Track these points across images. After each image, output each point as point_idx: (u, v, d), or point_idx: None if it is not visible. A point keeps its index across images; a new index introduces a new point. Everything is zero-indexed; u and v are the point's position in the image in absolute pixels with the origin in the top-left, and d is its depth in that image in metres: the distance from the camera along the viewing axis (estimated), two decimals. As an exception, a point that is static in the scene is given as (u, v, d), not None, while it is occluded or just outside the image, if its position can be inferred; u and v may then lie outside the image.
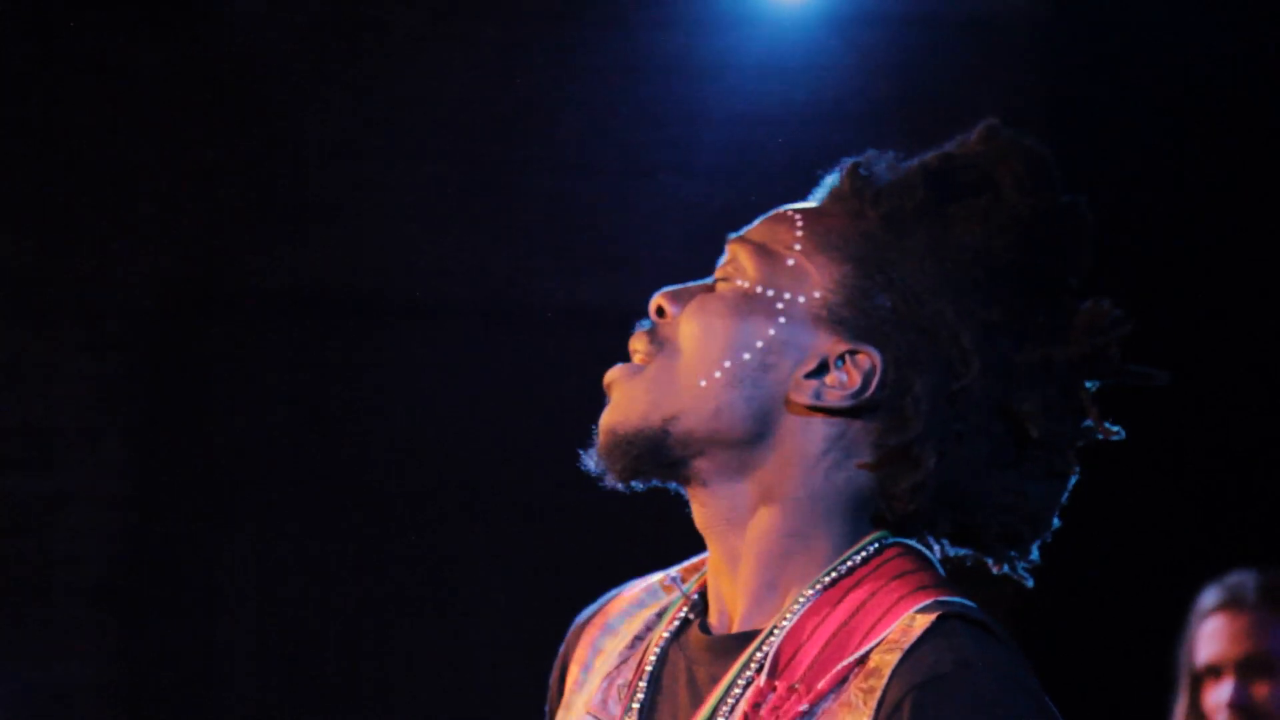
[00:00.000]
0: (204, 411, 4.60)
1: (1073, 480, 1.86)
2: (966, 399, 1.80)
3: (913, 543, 1.84)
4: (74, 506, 4.56)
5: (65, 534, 4.55)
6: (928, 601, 1.77)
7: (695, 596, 1.91)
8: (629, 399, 1.85)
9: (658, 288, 1.90)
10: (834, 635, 1.78)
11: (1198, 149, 4.41)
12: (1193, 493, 4.25)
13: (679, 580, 1.94)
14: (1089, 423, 1.84)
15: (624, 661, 1.92)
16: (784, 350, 1.83)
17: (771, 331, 1.83)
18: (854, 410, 1.81)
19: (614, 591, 2.02)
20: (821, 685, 1.75)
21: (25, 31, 4.48)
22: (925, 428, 1.79)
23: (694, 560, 1.97)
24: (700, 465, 1.84)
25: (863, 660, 1.75)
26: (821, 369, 1.82)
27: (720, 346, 1.83)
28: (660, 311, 1.88)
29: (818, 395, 1.81)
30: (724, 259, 1.89)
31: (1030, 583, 1.87)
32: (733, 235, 1.89)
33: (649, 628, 1.93)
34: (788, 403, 1.82)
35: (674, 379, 1.84)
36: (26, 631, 4.54)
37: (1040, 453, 1.83)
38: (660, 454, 1.84)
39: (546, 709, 2.02)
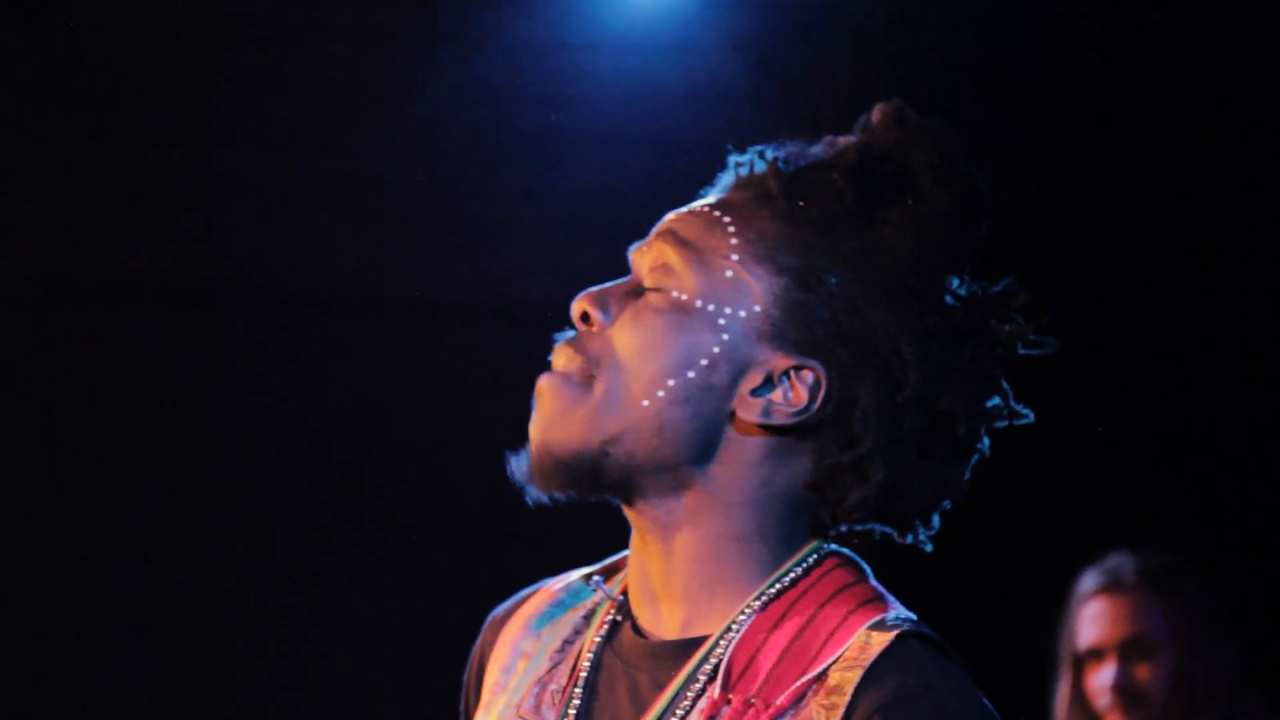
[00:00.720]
0: (55, 409, 4.53)
1: (976, 455, 1.89)
2: (905, 406, 1.81)
3: (847, 551, 1.86)
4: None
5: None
6: (878, 618, 1.79)
7: (621, 598, 1.89)
8: (566, 417, 1.81)
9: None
10: (787, 649, 1.78)
11: (1051, 131, 4.44)
12: (1075, 474, 4.25)
13: (602, 583, 1.92)
14: (996, 402, 1.87)
15: (555, 665, 1.90)
16: (728, 366, 1.81)
17: (715, 349, 1.81)
18: (799, 426, 1.81)
19: (528, 589, 1.99)
20: (780, 701, 1.76)
21: None
22: (874, 444, 1.81)
23: (613, 559, 1.96)
24: (638, 481, 1.82)
25: (821, 677, 1.76)
26: (766, 384, 1.81)
27: (663, 364, 1.80)
28: (585, 318, 1.84)
29: (766, 413, 1.81)
30: (645, 257, 1.85)
31: (930, 548, 1.90)
32: (655, 232, 1.86)
33: (577, 631, 1.91)
34: (733, 418, 1.82)
35: (614, 398, 1.80)
36: None
37: (958, 440, 1.86)
38: (599, 476, 1.81)
39: (461, 708, 1.99)
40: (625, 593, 1.89)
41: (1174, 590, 3.62)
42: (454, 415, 4.51)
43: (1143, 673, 3.57)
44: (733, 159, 1.89)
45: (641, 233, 1.88)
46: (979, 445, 1.86)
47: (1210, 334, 4.26)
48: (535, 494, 1.84)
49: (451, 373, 4.54)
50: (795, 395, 1.81)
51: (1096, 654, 3.59)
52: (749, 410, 1.81)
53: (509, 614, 1.97)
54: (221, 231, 4.53)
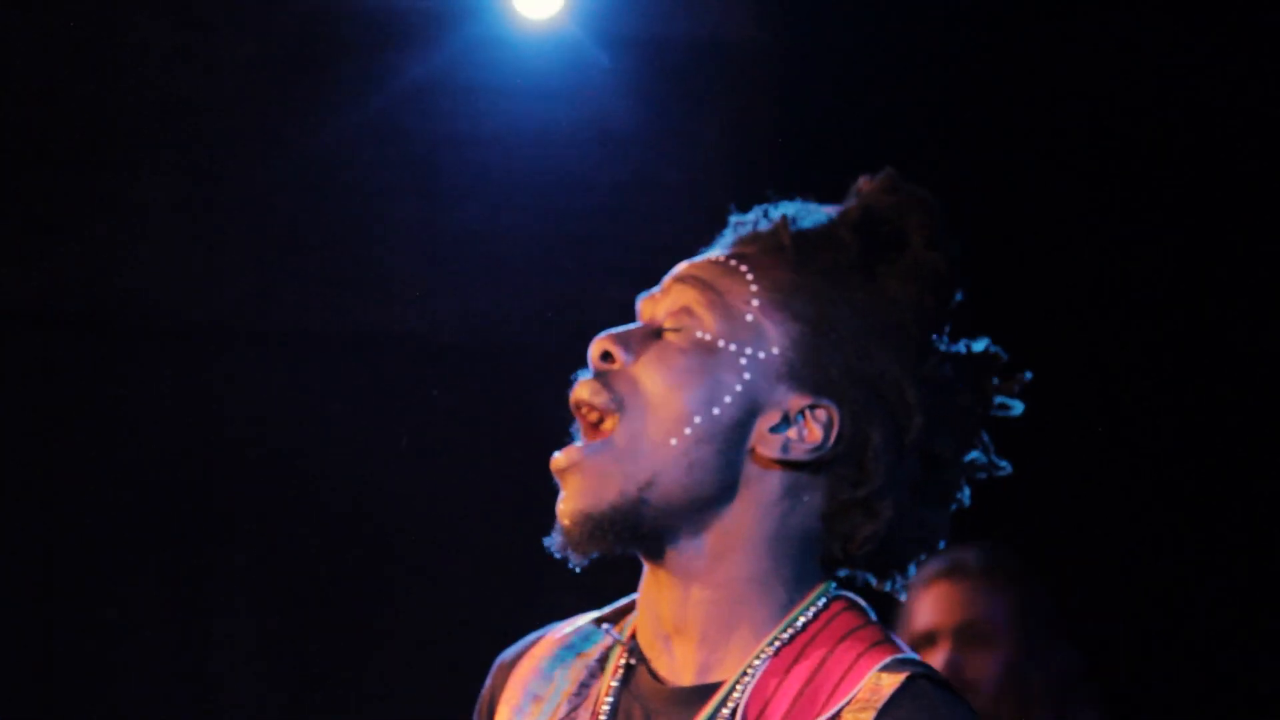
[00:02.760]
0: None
1: (955, 504, 2.00)
2: (909, 448, 1.91)
3: (852, 595, 1.93)
4: None
5: None
6: (888, 660, 1.86)
7: (632, 642, 1.94)
8: (599, 476, 1.86)
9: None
10: (800, 694, 1.84)
11: (931, 172, 4.51)
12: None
13: (611, 629, 1.96)
14: (977, 456, 1.97)
15: (574, 709, 1.94)
16: (749, 405, 1.88)
17: (738, 387, 1.88)
18: (814, 463, 1.88)
19: (536, 634, 2.03)
20: None
21: None
22: (884, 481, 1.89)
23: (621, 603, 2.00)
24: (670, 525, 1.87)
25: (834, 719, 1.82)
26: (783, 423, 1.88)
27: (689, 400, 1.87)
28: (607, 356, 1.89)
29: (785, 449, 1.88)
30: (661, 304, 1.92)
31: (904, 597, 1.99)
32: (671, 278, 1.93)
33: (592, 675, 1.95)
34: (752, 455, 1.88)
35: (643, 439, 1.87)
36: None
37: (946, 485, 1.96)
38: (638, 525, 1.87)
39: None
40: (634, 636, 1.94)
41: (1016, 585, 3.54)
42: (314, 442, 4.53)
43: (976, 662, 3.48)
44: (734, 218, 1.98)
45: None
46: (960, 494, 1.96)
47: (1067, 346, 4.33)
48: (576, 560, 1.90)
49: (332, 402, 4.55)
50: (810, 433, 1.89)
51: (931, 638, 3.50)
52: (768, 446, 1.89)
53: (518, 657, 2.01)
54: (115, 258, 4.51)
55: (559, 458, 1.90)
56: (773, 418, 1.89)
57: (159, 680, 4.55)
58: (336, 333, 4.60)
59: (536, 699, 1.97)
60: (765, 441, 1.89)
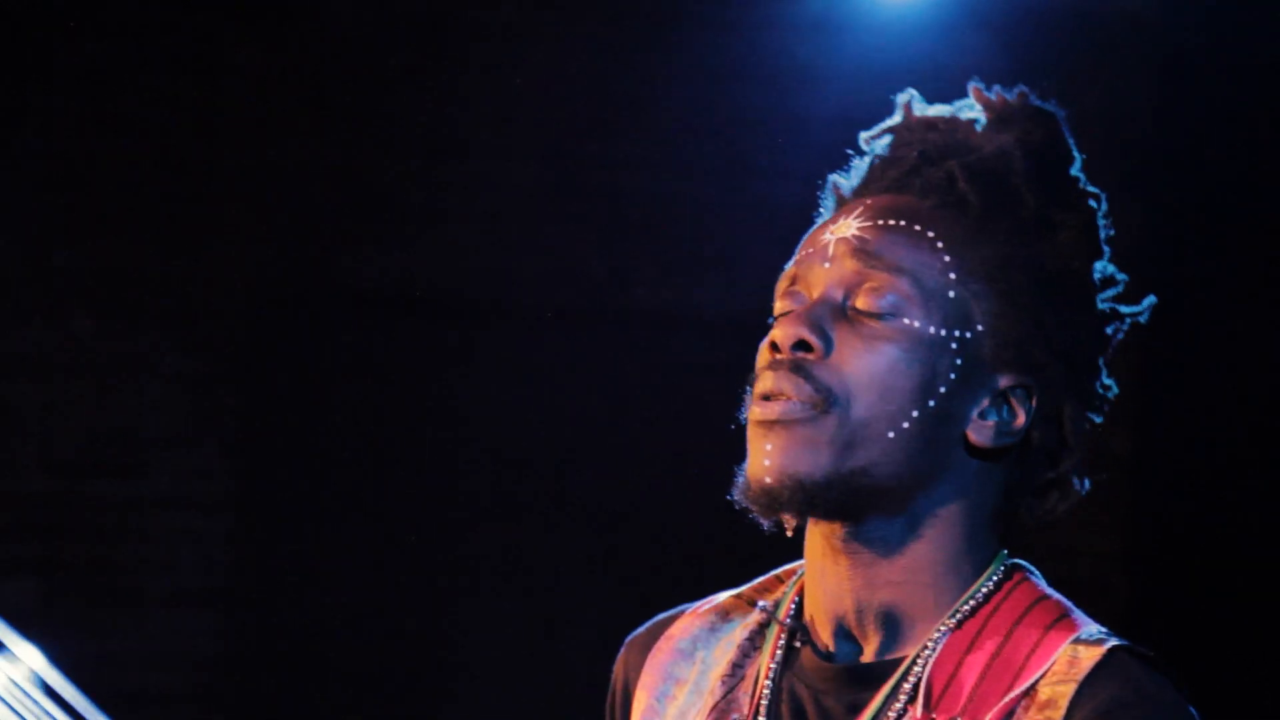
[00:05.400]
0: (298, 414, 4.60)
1: None
2: (1095, 412, 1.86)
3: (1028, 565, 1.86)
4: (169, 512, 4.56)
5: (160, 539, 4.56)
6: (1080, 633, 1.79)
7: (792, 621, 1.88)
8: (811, 448, 1.79)
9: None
10: (988, 666, 1.78)
11: None
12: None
13: (768, 606, 1.89)
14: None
15: (730, 692, 1.88)
16: (963, 393, 1.81)
17: (953, 375, 1.80)
18: (1018, 444, 1.83)
19: (668, 614, 1.97)
20: (989, 717, 1.76)
21: (121, 32, 4.49)
22: (1080, 457, 1.83)
23: (763, 579, 1.94)
24: (873, 504, 1.81)
25: (1029, 692, 1.76)
26: (993, 407, 1.82)
27: (907, 394, 1.79)
28: (802, 345, 1.80)
29: (996, 434, 1.82)
30: (836, 275, 1.81)
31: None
32: (844, 249, 1.81)
33: (746, 655, 1.90)
34: (964, 440, 1.82)
35: (858, 430, 1.79)
36: (121, 638, 4.56)
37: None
38: (846, 501, 1.80)
39: None
40: (792, 614, 1.88)
41: None
42: (680, 428, 4.52)
43: None
44: (875, 148, 1.89)
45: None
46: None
47: None
48: (764, 519, 1.83)
49: (686, 382, 4.54)
50: (1018, 416, 1.82)
51: None
52: (982, 434, 1.81)
53: (652, 638, 1.95)
54: (453, 244, 4.57)
55: (771, 409, 1.79)
56: (983, 402, 1.81)
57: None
58: (692, 314, 4.59)
59: (679, 681, 1.91)
60: (978, 428, 1.81)
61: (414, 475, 4.63)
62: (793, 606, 1.88)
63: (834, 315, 1.80)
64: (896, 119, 1.89)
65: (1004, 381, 1.80)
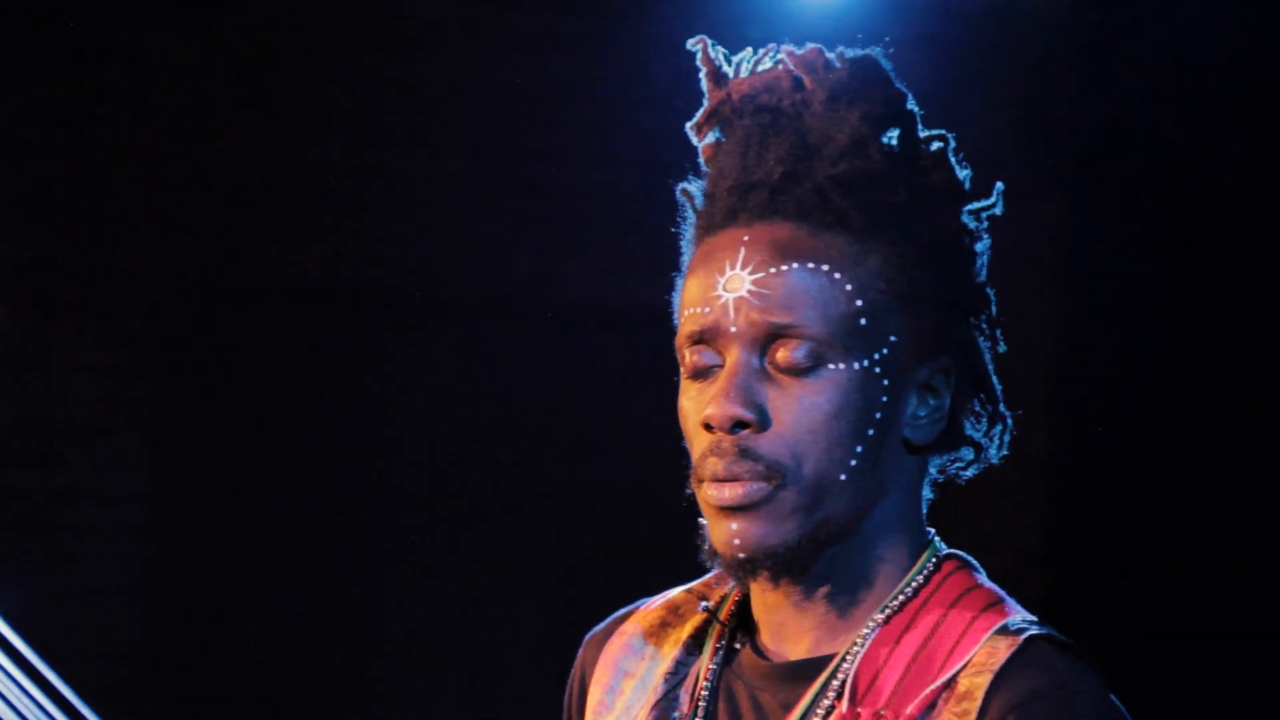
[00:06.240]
0: (218, 406, 4.58)
1: None
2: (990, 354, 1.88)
3: (963, 555, 1.86)
4: (87, 504, 4.54)
5: (78, 531, 4.53)
6: (1002, 622, 1.79)
7: (732, 621, 1.89)
8: (778, 519, 1.79)
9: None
10: (913, 659, 1.79)
11: None
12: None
13: (709, 606, 1.91)
14: None
15: (672, 689, 1.89)
16: (895, 405, 1.81)
17: (884, 398, 1.81)
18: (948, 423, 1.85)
19: (625, 610, 1.99)
20: (910, 710, 1.76)
21: (41, 18, 4.46)
22: (999, 395, 1.85)
23: (713, 575, 1.94)
24: (836, 538, 1.82)
25: (949, 684, 1.77)
26: (920, 400, 1.83)
27: (848, 437, 1.79)
28: (739, 425, 1.79)
29: (932, 426, 1.83)
30: (741, 326, 1.79)
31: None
32: (748, 305, 1.79)
33: (689, 652, 1.91)
34: (905, 444, 1.83)
35: (812, 488, 1.79)
36: (39, 629, 4.52)
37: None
38: (816, 549, 1.81)
39: None
40: (733, 614, 1.89)
41: None
42: (605, 423, 4.52)
43: None
44: (709, 138, 1.87)
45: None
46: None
47: None
48: (743, 580, 1.84)
49: (616, 377, 4.55)
50: (943, 395, 1.83)
51: None
52: (919, 432, 1.83)
53: (608, 634, 1.96)
54: (384, 235, 4.56)
55: (733, 494, 1.79)
56: (913, 402, 1.82)
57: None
58: (614, 307, 4.60)
59: (628, 675, 1.93)
60: (914, 429, 1.83)
61: (336, 466, 4.62)
62: (735, 606, 1.89)
63: (758, 380, 1.79)
64: (715, 94, 1.87)
65: (925, 373, 1.82)
